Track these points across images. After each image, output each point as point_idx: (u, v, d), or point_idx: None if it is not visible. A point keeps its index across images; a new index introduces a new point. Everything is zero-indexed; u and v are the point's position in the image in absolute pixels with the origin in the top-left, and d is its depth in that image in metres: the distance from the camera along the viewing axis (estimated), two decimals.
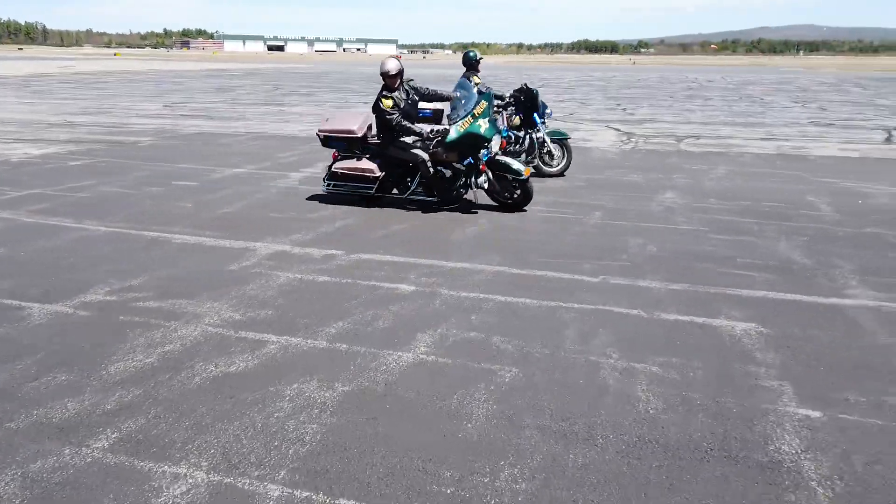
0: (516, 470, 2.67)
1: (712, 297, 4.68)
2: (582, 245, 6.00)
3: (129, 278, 4.91)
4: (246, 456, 2.73)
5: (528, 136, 9.30)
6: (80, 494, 2.48)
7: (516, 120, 9.28)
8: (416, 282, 4.94)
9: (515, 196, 7.25)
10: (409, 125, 7.11)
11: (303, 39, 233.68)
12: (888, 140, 14.14)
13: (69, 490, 2.51)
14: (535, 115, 9.18)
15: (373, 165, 7.25)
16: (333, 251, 5.70)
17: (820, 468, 2.70)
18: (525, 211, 7.25)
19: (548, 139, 9.38)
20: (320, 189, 7.81)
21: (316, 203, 7.58)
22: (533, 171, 8.86)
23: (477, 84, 9.48)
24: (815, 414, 3.12)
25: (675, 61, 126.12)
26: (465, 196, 7.39)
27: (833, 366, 3.63)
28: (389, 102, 7.08)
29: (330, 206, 7.43)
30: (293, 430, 2.93)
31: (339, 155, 7.51)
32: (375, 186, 7.29)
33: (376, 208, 7.35)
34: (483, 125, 6.96)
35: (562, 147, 9.48)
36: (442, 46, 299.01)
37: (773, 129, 16.06)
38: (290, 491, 2.51)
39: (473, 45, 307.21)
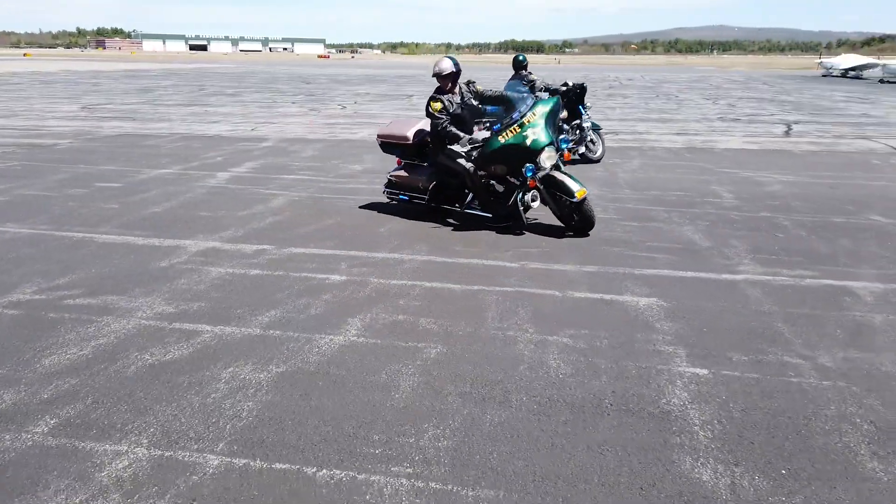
0: (439, 430, 2.95)
1: (620, 277, 5.10)
2: (504, 235, 6.34)
3: (56, 277, 4.92)
4: (185, 432, 2.90)
5: (577, 128, 10.37)
6: (23, 474, 2.60)
7: (564, 114, 9.88)
8: (347, 272, 5.15)
9: (573, 222, 6.28)
10: (455, 131, 6.45)
11: (227, 39, 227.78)
12: (787, 133, 15.23)
13: (11, 471, 2.62)
14: (580, 107, 10.23)
15: (423, 176, 6.81)
16: (265, 246, 5.84)
17: (703, 415, 3.10)
18: (588, 236, 6.25)
19: (590, 129, 10.51)
20: (253, 187, 7.87)
21: (246, 201, 7.66)
22: (579, 157, 9.76)
23: (533, 82, 10.03)
24: (703, 372, 3.54)
25: (597, 61, 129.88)
26: (524, 214, 6.42)
27: (721, 331, 4.08)
28: (438, 105, 6.49)
29: (259, 204, 7.52)
30: (230, 407, 3.12)
31: (402, 162, 7.14)
32: (427, 197, 6.82)
33: (305, 205, 7.49)
34: (531, 136, 6.08)
35: (598, 136, 10.69)
36: (370, 46, 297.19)
37: (685, 124, 17.00)
38: (229, 460, 2.71)
39: (402, 44, 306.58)
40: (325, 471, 2.65)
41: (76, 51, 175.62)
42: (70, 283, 4.82)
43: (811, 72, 58.96)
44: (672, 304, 4.54)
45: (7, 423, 2.97)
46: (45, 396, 3.20)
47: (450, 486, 2.57)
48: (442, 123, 6.47)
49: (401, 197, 7.08)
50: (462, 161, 6.46)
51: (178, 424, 2.96)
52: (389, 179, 7.17)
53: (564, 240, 6.16)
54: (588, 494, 2.54)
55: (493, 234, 6.36)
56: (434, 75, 6.70)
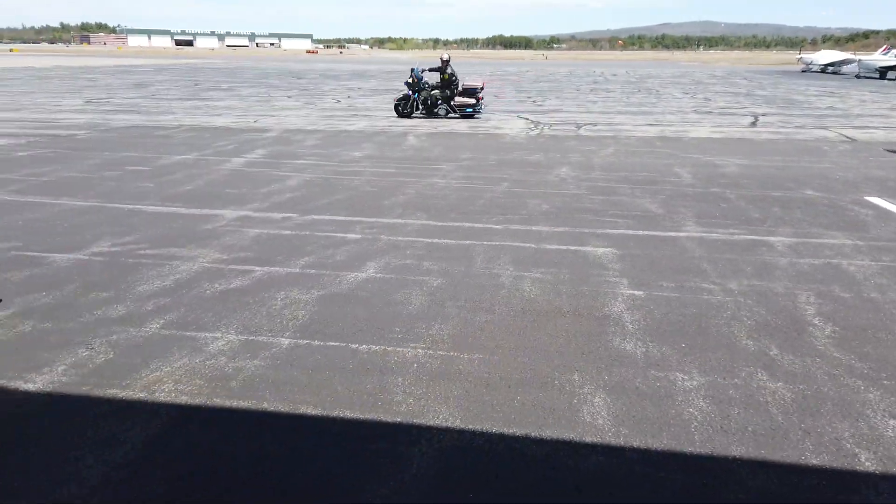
0: (442, 325, 4.09)
1: (585, 235, 6.26)
2: (491, 205, 7.49)
3: (122, 236, 6.01)
4: (260, 327, 4.03)
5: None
6: (153, 348, 3.71)
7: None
8: (361, 232, 6.27)
9: None
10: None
11: (213, 34, 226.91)
12: (753, 124, 16.48)
13: (143, 348, 3.73)
14: None
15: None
16: (289, 214, 6.94)
17: (633, 317, 4.27)
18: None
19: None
20: (268, 170, 8.93)
21: (264, 181, 8.74)
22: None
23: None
24: (638, 293, 4.70)
25: (584, 56, 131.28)
26: None
27: (659, 269, 5.25)
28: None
29: (276, 183, 8.61)
30: (288, 314, 4.24)
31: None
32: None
33: (316, 184, 8.60)
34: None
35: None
36: (358, 41, 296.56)
37: (660, 116, 18.21)
38: (295, 341, 3.83)
39: (390, 39, 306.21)
40: (364, 346, 3.79)
41: (60, 46, 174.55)
42: (135, 240, 5.91)
43: (793, 67, 60.54)
44: (623, 252, 5.70)
45: (126, 324, 4.07)
46: (149, 308, 4.31)
47: (452, 354, 3.71)
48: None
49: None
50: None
51: (254, 322, 4.09)
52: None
53: (540, 209, 7.31)
54: (546, 358, 3.68)
55: (481, 205, 7.50)
56: (441, 59, 14.95)
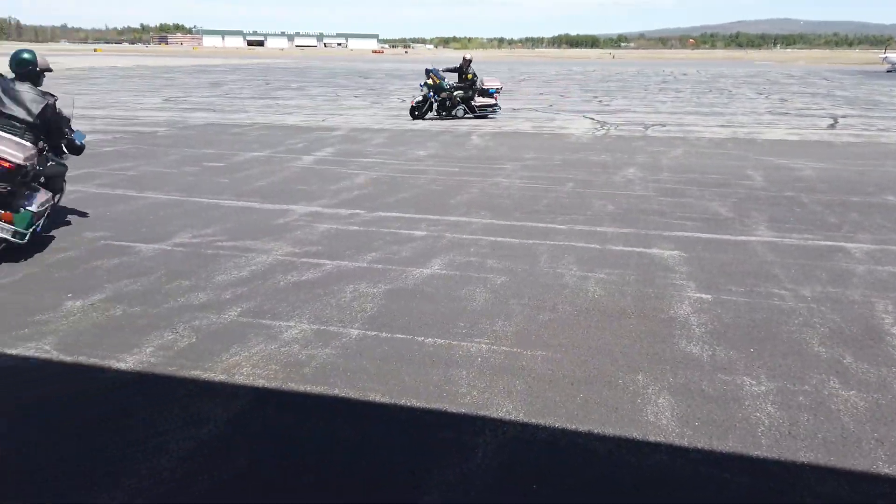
0: (505, 322, 4.16)
1: (651, 237, 6.20)
2: (555, 205, 7.50)
3: (201, 228, 6.33)
4: (330, 317, 4.20)
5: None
6: (232, 334, 3.93)
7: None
8: (426, 230, 6.40)
9: None
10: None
11: (283, 34, 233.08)
12: (832, 126, 15.81)
13: (223, 333, 3.95)
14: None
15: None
16: (357, 211, 7.15)
17: (700, 320, 4.22)
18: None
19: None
20: (336, 168, 9.20)
21: (333, 178, 9.00)
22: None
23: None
24: (706, 296, 4.65)
25: (653, 55, 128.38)
26: None
27: (727, 273, 5.16)
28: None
29: (344, 181, 8.86)
30: (357, 306, 4.40)
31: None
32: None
33: (383, 182, 8.79)
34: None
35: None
36: (423, 41, 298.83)
37: (732, 117, 17.70)
38: (364, 332, 3.98)
39: (454, 39, 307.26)
40: (430, 339, 3.90)
41: (140, 46, 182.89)
42: (214, 232, 6.21)
43: (876, 67, 57.54)
44: (691, 255, 5.62)
45: (207, 310, 4.31)
46: (227, 297, 4.55)
47: (515, 350, 3.78)
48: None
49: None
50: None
51: (325, 313, 4.26)
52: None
53: (605, 209, 7.27)
54: (611, 358, 3.70)
55: (546, 204, 7.52)
56: (464, 58, 14.92)
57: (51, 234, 5.97)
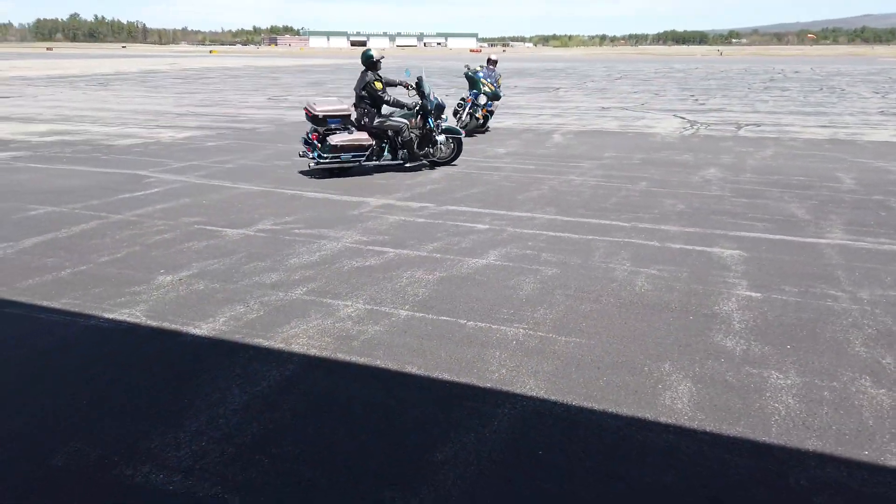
0: (547, 310, 4.36)
1: (715, 236, 6.16)
2: (624, 203, 7.55)
3: (283, 217, 6.87)
4: (384, 299, 4.55)
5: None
6: (294, 309, 4.36)
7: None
8: (489, 223, 6.65)
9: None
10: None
11: (384, 35, 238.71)
12: None
13: (287, 308, 4.39)
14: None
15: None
16: (426, 204, 7.50)
17: (743, 317, 4.25)
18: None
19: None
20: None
21: (410, 174, 9.41)
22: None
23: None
24: (756, 295, 4.64)
25: (767, 52, 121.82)
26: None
27: (785, 274, 5.10)
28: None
29: (420, 176, 9.24)
30: (411, 291, 4.73)
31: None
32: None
33: (457, 178, 9.11)
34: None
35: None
36: (523, 39, 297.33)
37: (836, 117, 16.76)
38: (412, 313, 4.30)
39: (554, 37, 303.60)
40: (472, 322, 4.17)
41: (251, 47, 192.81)
42: (293, 220, 6.74)
43: None
44: (752, 255, 5.57)
45: (277, 289, 4.78)
46: (296, 277, 5.00)
47: (550, 335, 3.98)
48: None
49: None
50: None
51: (380, 295, 4.62)
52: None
53: (674, 209, 7.25)
54: (642, 347, 3.83)
55: (614, 202, 7.58)
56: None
57: (152, 219, 6.70)
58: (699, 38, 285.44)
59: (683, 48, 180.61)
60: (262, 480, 2.65)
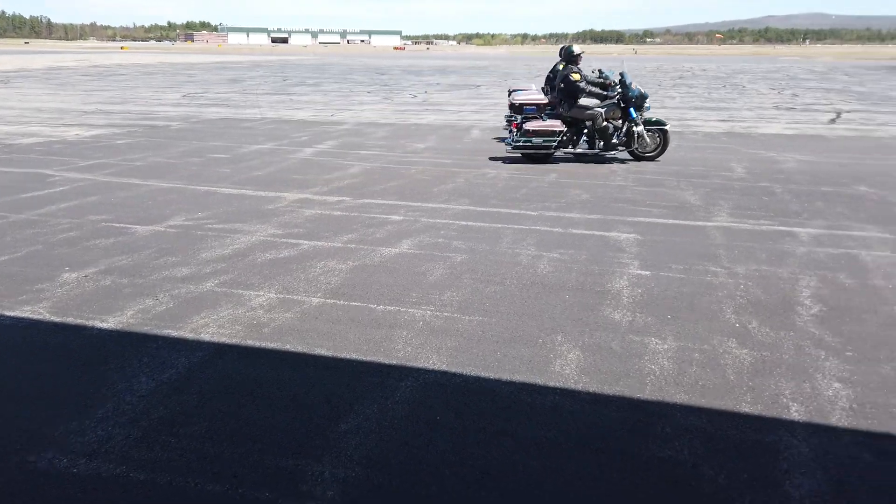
0: (454, 293, 4.59)
1: (614, 222, 6.57)
2: (533, 194, 7.89)
3: (196, 212, 6.84)
4: (296, 288, 4.66)
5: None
6: (205, 301, 4.41)
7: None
8: (404, 215, 6.84)
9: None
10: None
11: (307, 31, 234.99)
12: (833, 121, 15.92)
13: (198, 300, 4.44)
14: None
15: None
16: (343, 198, 7.61)
17: (632, 292, 4.61)
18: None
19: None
20: (334, 159, 9.67)
21: (328, 169, 9.48)
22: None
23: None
24: (646, 273, 5.03)
25: (678, 51, 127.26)
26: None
27: (673, 254, 5.52)
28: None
29: (339, 171, 9.33)
30: (323, 280, 4.86)
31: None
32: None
33: (375, 172, 9.25)
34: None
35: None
36: (446, 37, 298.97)
37: (735, 112, 17.87)
38: (324, 300, 4.44)
39: (477, 35, 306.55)
40: (381, 306, 4.34)
41: (166, 44, 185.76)
42: (206, 216, 6.72)
43: None
44: (646, 238, 5.99)
45: (187, 282, 4.80)
46: (208, 271, 5.03)
47: (455, 315, 4.21)
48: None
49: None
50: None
51: (293, 285, 4.73)
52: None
53: (580, 198, 7.64)
54: (538, 323, 4.11)
55: (524, 192, 7.92)
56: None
57: (56, 218, 6.53)
58: (616, 37, 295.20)
59: (601, 47, 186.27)
60: (167, 458, 2.74)
